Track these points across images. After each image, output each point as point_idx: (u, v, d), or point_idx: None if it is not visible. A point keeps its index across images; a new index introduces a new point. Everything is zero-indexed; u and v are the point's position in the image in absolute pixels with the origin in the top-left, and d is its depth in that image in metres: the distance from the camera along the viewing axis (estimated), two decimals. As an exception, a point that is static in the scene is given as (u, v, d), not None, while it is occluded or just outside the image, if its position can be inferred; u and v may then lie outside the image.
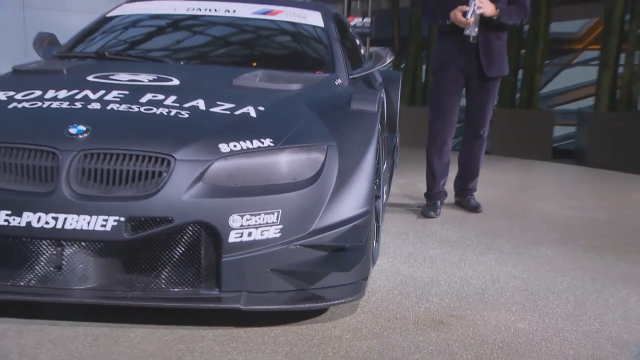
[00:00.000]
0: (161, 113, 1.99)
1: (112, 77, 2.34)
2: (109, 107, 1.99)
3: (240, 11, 3.12)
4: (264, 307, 1.84)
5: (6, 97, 2.08)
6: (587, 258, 2.93)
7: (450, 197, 3.88)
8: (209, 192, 1.79)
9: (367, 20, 7.15)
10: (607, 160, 6.25)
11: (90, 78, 2.32)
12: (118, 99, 2.06)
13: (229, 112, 2.06)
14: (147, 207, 1.73)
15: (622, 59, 6.89)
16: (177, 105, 2.06)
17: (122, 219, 1.71)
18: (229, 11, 3.10)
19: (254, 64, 2.99)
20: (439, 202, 3.66)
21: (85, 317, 1.89)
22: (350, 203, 1.96)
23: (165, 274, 1.83)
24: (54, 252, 1.76)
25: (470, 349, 1.82)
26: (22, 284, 1.78)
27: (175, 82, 2.33)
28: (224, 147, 1.83)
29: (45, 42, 3.08)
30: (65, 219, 1.69)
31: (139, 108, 2.01)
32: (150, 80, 2.32)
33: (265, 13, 3.11)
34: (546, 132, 7.40)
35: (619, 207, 4.44)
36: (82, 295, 1.78)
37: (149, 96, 2.10)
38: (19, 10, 6.29)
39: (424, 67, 7.89)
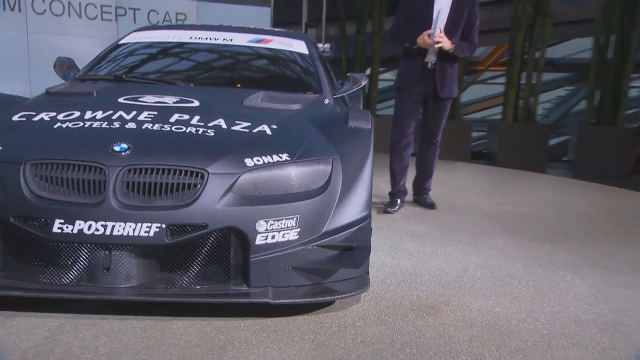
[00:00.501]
0: (190, 131, 2.12)
1: (140, 99, 2.46)
2: (144, 127, 2.11)
3: (237, 40, 3.34)
4: (288, 300, 1.96)
5: (49, 117, 2.18)
6: (531, 247, 3.22)
7: (409, 196, 4.19)
8: (238, 201, 1.92)
9: (327, 45, 7.53)
10: (512, 161, 7.04)
11: (121, 100, 2.43)
12: (150, 119, 2.18)
13: (247, 130, 2.21)
14: (185, 215, 1.86)
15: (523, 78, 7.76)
16: (202, 124, 2.19)
17: (163, 225, 1.83)
18: (226, 40, 3.32)
19: (248, 85, 3.16)
20: (399, 200, 3.94)
21: (129, 311, 1.95)
22: (354, 208, 2.12)
23: (199, 273, 1.95)
24: (103, 255, 1.86)
25: (463, 331, 2.00)
26: (74, 283, 1.87)
27: (196, 103, 2.46)
28: (249, 162, 1.98)
29: (64, 65, 3.20)
30: (113, 226, 1.80)
31: (170, 127, 2.13)
32: (174, 102, 2.45)
33: (258, 42, 3.33)
34: (465, 138, 8.19)
35: (539, 203, 4.87)
36: (126, 292, 1.87)
37: (176, 116, 2.24)
38: (23, 35, 6.17)
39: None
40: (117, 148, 1.92)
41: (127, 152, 1.92)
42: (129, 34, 3.53)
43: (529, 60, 7.45)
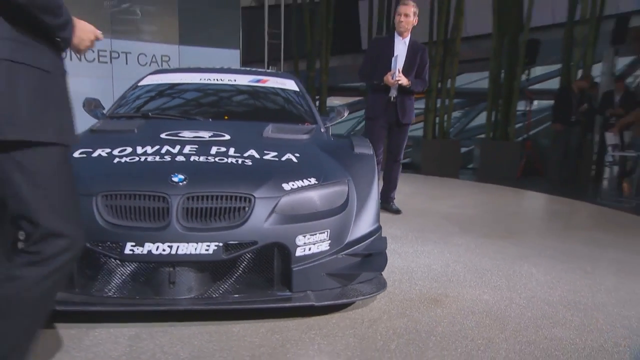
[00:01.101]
0: (232, 162, 2.28)
1: (179, 134, 2.60)
2: (191, 159, 2.25)
3: (240, 80, 3.60)
4: (327, 302, 2.12)
5: (106, 153, 2.29)
6: (488, 243, 3.55)
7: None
8: (280, 220, 2.10)
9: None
10: (432, 170, 7.86)
11: (163, 136, 2.56)
12: (194, 152, 2.33)
13: (277, 159, 2.38)
14: (238, 234, 2.01)
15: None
16: (239, 155, 2.35)
17: (220, 244, 1.98)
18: (231, 80, 3.57)
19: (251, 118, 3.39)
20: None
21: (192, 318, 2.06)
22: (367, 221, 2.36)
23: (248, 282, 2.09)
24: (169, 271, 1.98)
25: (468, 319, 2.23)
26: (145, 297, 1.98)
27: (227, 137, 2.62)
28: (286, 186, 2.17)
29: (92, 105, 3.38)
30: (178, 246, 1.93)
31: (213, 158, 2.28)
32: (210, 137, 2.60)
33: (257, 81, 3.58)
34: (449, 153, 8.81)
35: (476, 204, 5.32)
36: (190, 302, 1.99)
37: (215, 149, 2.40)
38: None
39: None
40: (175, 179, 2.06)
41: (184, 182, 2.05)
42: (145, 76, 3.69)
43: (442, 90, 8.43)
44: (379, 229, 2.40)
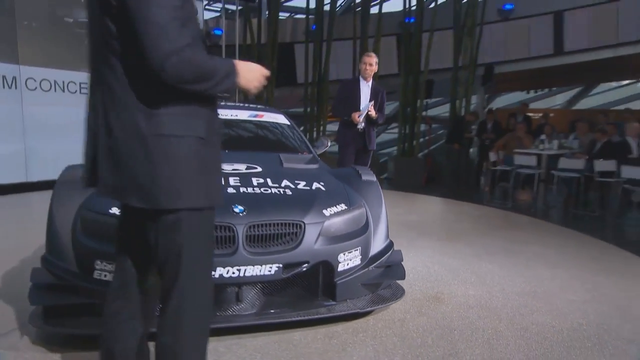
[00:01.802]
0: (275, 192, 2.42)
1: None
2: (241, 190, 2.37)
3: (241, 115, 3.65)
4: (369, 308, 2.32)
5: None
6: (447, 245, 3.86)
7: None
8: (325, 241, 2.28)
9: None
10: (403, 184, 8.47)
11: None
12: (239, 184, 2.44)
13: (309, 188, 2.55)
14: (294, 255, 2.17)
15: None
16: (277, 185, 2.50)
17: (280, 265, 2.11)
18: (233, 115, 3.62)
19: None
20: None
21: (253, 330, 2.17)
22: (382, 238, 2.61)
23: (299, 295, 2.27)
24: (237, 291, 2.12)
25: (471, 312, 2.50)
26: (217, 314, 2.10)
27: (259, 168, 2.73)
28: (326, 212, 2.35)
29: None
30: (245, 269, 2.05)
31: (259, 189, 2.41)
32: (246, 169, 2.71)
33: (255, 116, 3.70)
34: (373, 165, 9.34)
35: (419, 211, 5.77)
36: (254, 317, 2.13)
37: (254, 180, 2.52)
38: (18, 106, 6.26)
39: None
40: (236, 210, 2.17)
41: (244, 212, 2.17)
42: None
43: (417, 117, 9.22)
44: (391, 243, 2.64)
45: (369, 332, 2.23)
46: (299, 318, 2.16)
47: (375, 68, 4.42)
